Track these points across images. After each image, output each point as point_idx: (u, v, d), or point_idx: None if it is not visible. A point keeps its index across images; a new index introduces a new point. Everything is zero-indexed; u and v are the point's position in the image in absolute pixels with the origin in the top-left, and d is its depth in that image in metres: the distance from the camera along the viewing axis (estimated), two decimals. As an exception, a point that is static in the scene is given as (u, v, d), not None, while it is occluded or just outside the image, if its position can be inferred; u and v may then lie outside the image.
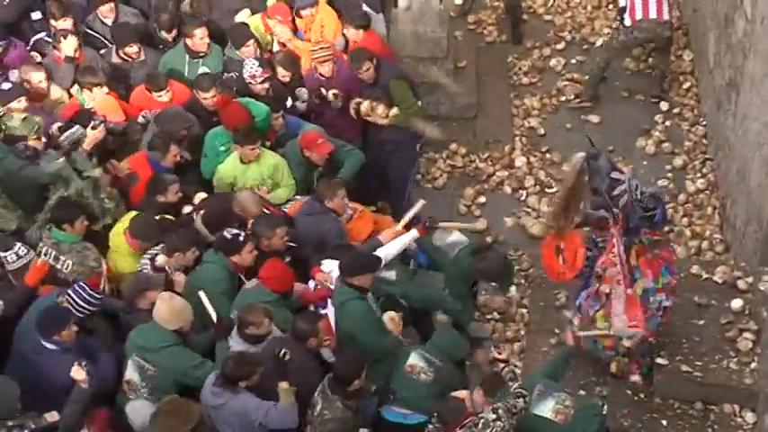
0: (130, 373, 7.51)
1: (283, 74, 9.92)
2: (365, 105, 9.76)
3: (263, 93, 9.66)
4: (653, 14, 11.00)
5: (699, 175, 10.78)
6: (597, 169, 7.91)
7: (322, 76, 9.91)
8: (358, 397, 7.32)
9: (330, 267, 8.25)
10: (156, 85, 9.59)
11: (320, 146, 9.18)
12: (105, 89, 9.52)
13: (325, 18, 10.55)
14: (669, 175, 10.83)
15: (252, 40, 10.03)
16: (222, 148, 9.29)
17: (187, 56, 10.07)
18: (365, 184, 9.72)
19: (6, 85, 9.36)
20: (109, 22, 10.33)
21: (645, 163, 10.96)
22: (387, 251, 8.36)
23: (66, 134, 8.90)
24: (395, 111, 9.80)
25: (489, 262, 8.45)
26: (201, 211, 8.65)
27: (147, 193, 8.83)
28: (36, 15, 10.44)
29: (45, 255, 8.05)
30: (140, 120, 9.52)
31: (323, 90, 9.86)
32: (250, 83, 9.68)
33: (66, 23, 9.99)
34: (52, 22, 10.09)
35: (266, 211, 8.75)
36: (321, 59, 9.88)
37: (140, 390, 7.46)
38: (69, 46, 9.79)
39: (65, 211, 8.35)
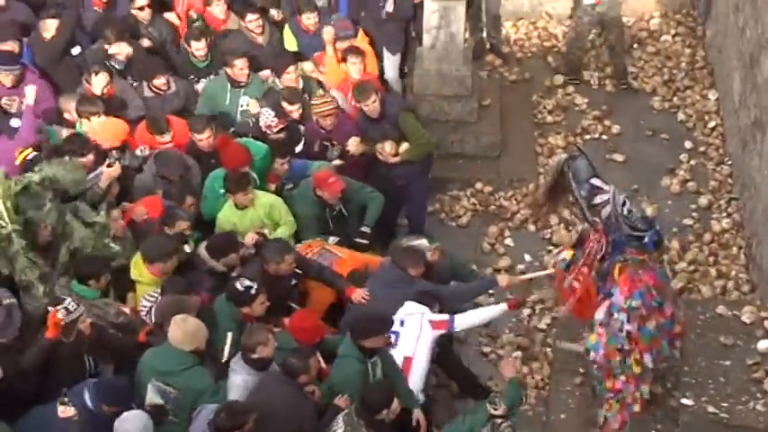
0: (152, 398, 7.47)
1: (290, 109, 9.96)
2: (378, 147, 9.79)
3: (278, 142, 9.69)
4: None
5: (724, 214, 10.74)
6: (575, 170, 8.12)
7: (323, 129, 9.93)
8: (381, 428, 7.28)
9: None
10: (157, 128, 9.66)
11: (332, 184, 9.20)
12: (103, 118, 9.56)
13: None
14: (694, 214, 10.79)
15: (293, 67, 10.09)
16: (222, 191, 9.26)
17: (229, 85, 10.19)
18: (379, 221, 9.65)
19: (15, 122, 9.53)
20: (121, 58, 10.38)
21: (670, 202, 10.93)
22: (470, 319, 8.30)
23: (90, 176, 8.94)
24: (405, 146, 9.82)
25: None
26: (204, 242, 8.68)
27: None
28: (76, 50, 10.61)
29: (68, 310, 7.78)
30: (138, 153, 9.60)
31: (328, 144, 9.92)
32: (266, 132, 9.73)
33: (120, 47, 10.18)
34: (106, 46, 10.26)
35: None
36: (324, 113, 9.90)
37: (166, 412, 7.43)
38: (99, 83, 9.91)
39: (90, 266, 8.33)
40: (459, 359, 9.10)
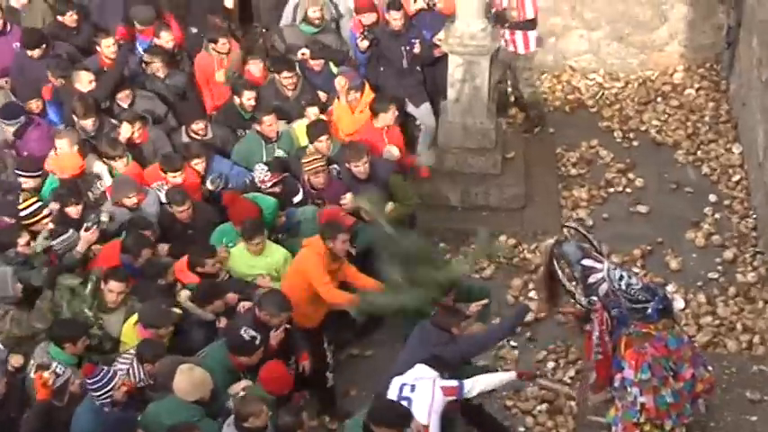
0: None
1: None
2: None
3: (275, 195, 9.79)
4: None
5: (749, 268, 10.70)
6: (563, 255, 8.15)
7: (313, 188, 9.99)
8: None
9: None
10: (171, 165, 9.80)
11: (341, 220, 9.28)
12: (124, 160, 9.77)
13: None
14: (719, 268, 10.76)
15: (326, 136, 10.22)
16: (231, 245, 9.35)
17: (263, 141, 10.33)
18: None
19: None
20: (125, 105, 10.57)
21: (694, 255, 10.91)
22: (479, 386, 8.19)
23: (59, 239, 9.01)
24: (390, 206, 9.87)
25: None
26: (187, 292, 8.70)
27: (147, 279, 8.91)
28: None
29: (57, 373, 7.89)
30: (154, 186, 9.74)
31: (318, 201, 9.99)
32: (260, 187, 9.80)
33: (86, 122, 10.22)
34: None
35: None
36: (314, 170, 9.96)
37: None
38: (125, 131, 10.12)
39: (67, 329, 8.26)
40: (486, 411, 9.07)
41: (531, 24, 11.71)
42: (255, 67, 11.25)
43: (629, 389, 7.91)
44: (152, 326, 8.33)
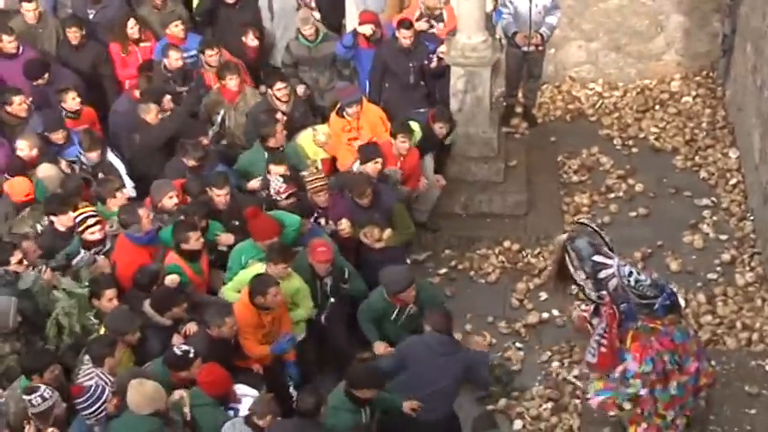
0: None
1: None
2: (368, 230, 10.00)
3: (289, 208, 9.88)
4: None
5: (748, 268, 10.92)
6: (576, 251, 8.37)
7: (317, 206, 10.13)
8: None
9: None
10: (193, 189, 9.87)
11: (319, 253, 9.29)
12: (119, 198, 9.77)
13: (370, 118, 11.03)
14: (718, 269, 10.99)
15: (380, 159, 10.33)
16: (250, 262, 9.36)
17: (266, 154, 10.49)
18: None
19: None
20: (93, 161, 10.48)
21: (694, 257, 11.14)
22: None
23: (76, 260, 9.18)
24: (389, 233, 10.02)
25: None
26: (148, 299, 8.78)
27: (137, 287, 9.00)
28: None
29: (43, 397, 7.80)
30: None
31: (322, 221, 10.13)
32: (276, 199, 9.96)
33: (91, 156, 10.36)
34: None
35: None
36: (316, 189, 10.11)
37: None
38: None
39: (34, 360, 8.21)
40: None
41: None
42: (232, 83, 11.30)
43: (630, 380, 8.12)
44: (118, 332, 8.40)
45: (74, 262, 9.23)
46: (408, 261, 10.70)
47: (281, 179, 10.00)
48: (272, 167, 10.18)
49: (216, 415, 8.04)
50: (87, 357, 8.26)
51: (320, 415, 7.79)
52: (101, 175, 10.30)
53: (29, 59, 11.47)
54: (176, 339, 8.67)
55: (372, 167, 10.32)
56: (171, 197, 9.73)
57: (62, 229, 9.50)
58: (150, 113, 10.75)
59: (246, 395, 8.30)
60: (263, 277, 8.83)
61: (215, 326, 8.52)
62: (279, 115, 10.83)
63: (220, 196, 9.77)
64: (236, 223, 9.77)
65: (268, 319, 8.88)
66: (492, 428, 7.90)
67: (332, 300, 9.52)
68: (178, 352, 8.18)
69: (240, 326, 8.72)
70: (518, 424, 9.57)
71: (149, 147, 10.72)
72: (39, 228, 9.66)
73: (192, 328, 8.77)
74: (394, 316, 9.22)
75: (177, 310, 8.75)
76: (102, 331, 8.62)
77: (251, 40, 12.09)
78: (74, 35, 11.85)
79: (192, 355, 8.15)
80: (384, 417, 8.50)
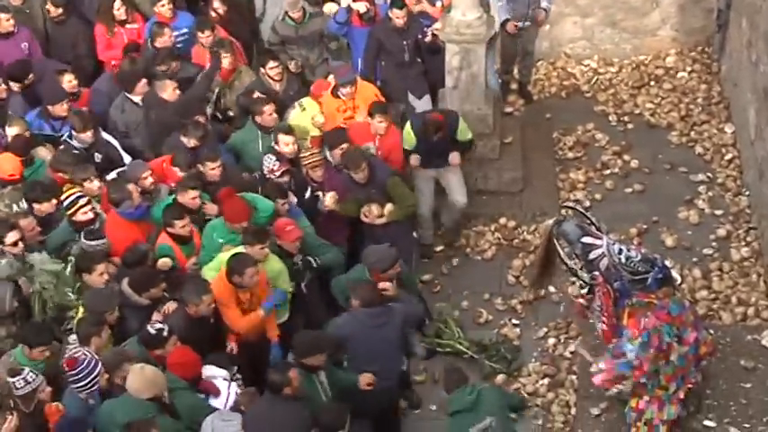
0: None
1: (285, 141, 10.19)
2: (367, 209, 9.94)
3: (284, 186, 9.90)
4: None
5: (743, 243, 10.95)
6: (564, 234, 8.41)
7: (314, 181, 10.19)
8: None
9: None
10: (182, 161, 9.91)
11: (289, 233, 9.30)
12: (96, 182, 9.65)
13: (366, 95, 10.96)
14: (714, 244, 11.02)
15: (346, 144, 10.30)
16: (221, 241, 9.37)
17: (259, 132, 10.47)
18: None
19: None
20: (139, 100, 10.71)
21: (689, 233, 11.17)
22: None
23: (93, 243, 9.08)
24: (389, 207, 9.96)
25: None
26: (126, 279, 8.78)
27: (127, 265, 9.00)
28: None
29: (26, 380, 7.77)
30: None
31: (319, 194, 10.13)
32: (270, 178, 9.95)
33: (84, 136, 10.26)
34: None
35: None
36: (312, 165, 10.18)
37: None
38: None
39: (34, 333, 8.28)
40: None
41: None
42: (225, 61, 11.25)
43: (628, 354, 8.08)
44: (97, 311, 8.40)
45: (89, 244, 9.11)
46: (416, 235, 10.65)
47: (274, 158, 10.02)
48: (281, 137, 10.20)
49: (193, 399, 8.04)
50: (74, 337, 8.30)
51: (291, 389, 7.81)
52: (97, 155, 10.30)
53: (11, 63, 11.28)
54: (155, 317, 8.67)
55: (337, 153, 10.27)
56: (145, 177, 9.74)
57: (41, 215, 9.40)
58: (167, 90, 10.71)
59: (215, 376, 8.32)
60: (241, 257, 8.84)
61: (192, 303, 8.55)
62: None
63: (214, 169, 9.81)
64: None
65: (246, 297, 8.91)
66: (463, 383, 7.97)
67: (308, 274, 9.55)
68: (152, 330, 8.22)
69: (219, 300, 8.75)
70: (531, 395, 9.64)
71: (165, 124, 10.61)
72: (15, 208, 9.51)
73: (171, 306, 8.79)
74: None
75: (155, 290, 8.74)
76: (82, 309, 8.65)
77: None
78: (54, 11, 11.82)
79: (166, 333, 8.19)
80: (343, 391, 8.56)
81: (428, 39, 11.52)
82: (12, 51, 11.45)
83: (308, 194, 10.12)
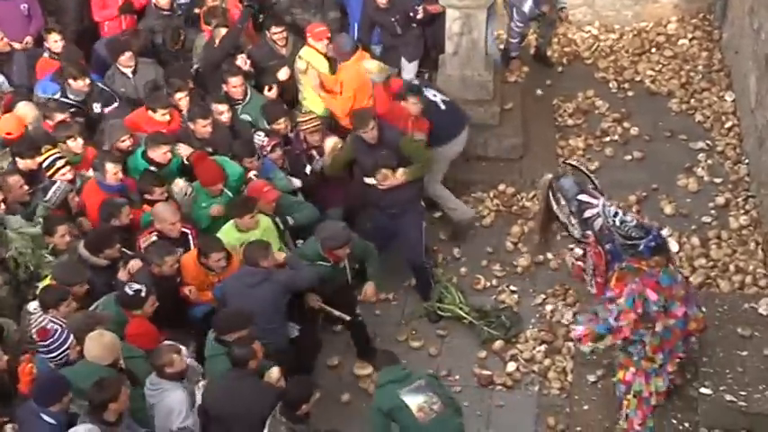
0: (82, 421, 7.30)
1: (277, 127, 10.19)
2: (380, 175, 9.72)
3: (279, 162, 9.92)
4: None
5: (742, 211, 10.96)
6: (561, 189, 8.46)
7: (311, 146, 10.19)
8: (304, 422, 7.52)
9: None
10: (158, 102, 9.94)
11: (266, 193, 9.29)
12: (78, 141, 9.60)
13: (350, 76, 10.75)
14: (713, 212, 11.03)
15: (284, 119, 10.27)
16: (204, 205, 9.43)
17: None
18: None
19: None
20: (129, 72, 10.68)
21: (688, 200, 11.17)
22: None
23: (50, 192, 9.09)
24: (401, 171, 9.73)
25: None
26: (82, 241, 8.68)
27: (101, 220, 9.00)
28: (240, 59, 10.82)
29: None
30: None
31: (316, 159, 10.18)
32: (263, 154, 9.90)
33: (79, 83, 10.25)
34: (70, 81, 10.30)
35: (185, 230, 9.06)
36: (310, 130, 10.18)
37: None
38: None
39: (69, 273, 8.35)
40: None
41: None
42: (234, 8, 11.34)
43: (609, 317, 8.08)
44: (66, 283, 8.29)
45: (50, 192, 9.13)
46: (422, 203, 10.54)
47: (263, 134, 10.02)
48: (214, 106, 10.17)
49: (150, 367, 7.89)
50: (35, 305, 8.19)
51: (256, 362, 7.79)
52: (95, 105, 10.33)
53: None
54: (122, 275, 8.63)
55: (280, 128, 10.20)
56: (123, 141, 9.74)
57: (25, 170, 9.32)
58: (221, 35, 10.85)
59: None
60: (210, 239, 8.89)
61: (156, 264, 8.58)
62: (241, 63, 10.73)
63: (205, 126, 9.84)
64: (209, 150, 9.80)
65: (215, 280, 8.90)
66: (393, 363, 7.87)
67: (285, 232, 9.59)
68: (130, 291, 8.18)
69: (186, 278, 8.82)
70: (511, 366, 9.68)
71: (212, 64, 10.81)
72: (3, 166, 9.51)
73: (135, 264, 8.73)
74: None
75: (110, 251, 8.66)
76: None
77: None
78: None
79: (143, 294, 8.16)
80: None
81: (419, 16, 11.50)
82: (12, 12, 11.40)
83: (308, 170, 10.13)
